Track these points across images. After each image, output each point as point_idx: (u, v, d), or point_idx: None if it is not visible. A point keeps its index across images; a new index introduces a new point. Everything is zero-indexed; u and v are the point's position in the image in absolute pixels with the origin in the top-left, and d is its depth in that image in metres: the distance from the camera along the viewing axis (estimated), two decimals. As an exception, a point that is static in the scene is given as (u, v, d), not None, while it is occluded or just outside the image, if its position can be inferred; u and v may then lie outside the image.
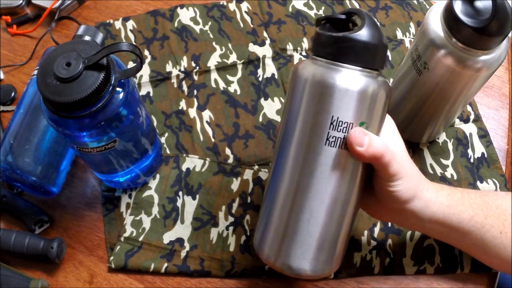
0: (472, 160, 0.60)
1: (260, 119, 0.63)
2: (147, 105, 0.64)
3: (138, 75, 0.65)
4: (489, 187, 0.58)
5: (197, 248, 0.55)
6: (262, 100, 0.64)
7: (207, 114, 0.63)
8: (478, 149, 0.60)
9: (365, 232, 0.55)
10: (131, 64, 0.66)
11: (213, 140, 0.61)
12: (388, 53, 0.67)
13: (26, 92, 0.58)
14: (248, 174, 0.59)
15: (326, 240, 0.42)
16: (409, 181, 0.42)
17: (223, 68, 0.66)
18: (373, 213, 0.48)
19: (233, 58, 0.67)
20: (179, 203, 0.57)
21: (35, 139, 0.54)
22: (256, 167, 0.60)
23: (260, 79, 0.65)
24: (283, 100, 0.63)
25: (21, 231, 0.54)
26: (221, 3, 0.71)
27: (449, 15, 0.44)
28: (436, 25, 0.46)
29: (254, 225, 0.56)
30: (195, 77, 0.65)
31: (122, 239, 0.55)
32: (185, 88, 0.65)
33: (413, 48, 0.51)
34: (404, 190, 0.41)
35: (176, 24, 0.69)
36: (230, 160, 0.60)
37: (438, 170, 0.59)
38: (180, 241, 0.55)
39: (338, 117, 0.38)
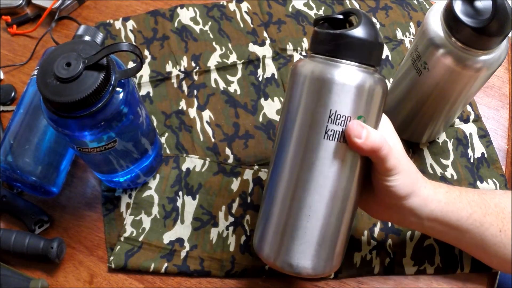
0: (472, 160, 0.60)
1: (260, 119, 0.63)
2: (147, 105, 0.64)
3: (138, 75, 0.65)
4: (489, 187, 0.58)
5: (197, 248, 0.55)
6: (262, 100, 0.64)
7: (207, 114, 0.63)
8: (478, 149, 0.60)
9: (365, 232, 0.55)
10: (131, 64, 0.66)
11: (213, 140, 0.61)
12: (388, 53, 0.67)
13: (26, 92, 0.58)
14: (248, 174, 0.59)
15: (326, 236, 0.41)
16: (406, 177, 0.42)
17: (223, 68, 0.66)
18: (372, 212, 0.48)
19: (233, 58, 0.67)
20: (179, 203, 0.57)
21: (35, 139, 0.54)
22: (256, 167, 0.60)
23: (260, 79, 0.65)
24: (283, 100, 0.63)
25: (21, 231, 0.54)
26: (221, 3, 0.71)
27: (449, 15, 0.44)
28: (436, 25, 0.46)
29: (254, 225, 0.55)
30: (195, 77, 0.65)
31: (122, 239, 0.55)
32: (185, 88, 0.65)
33: (413, 48, 0.51)
34: (401, 185, 0.42)
35: (176, 24, 0.69)
36: (230, 160, 0.60)
37: (438, 170, 0.59)
38: (180, 241, 0.55)
39: (336, 111, 0.39)
